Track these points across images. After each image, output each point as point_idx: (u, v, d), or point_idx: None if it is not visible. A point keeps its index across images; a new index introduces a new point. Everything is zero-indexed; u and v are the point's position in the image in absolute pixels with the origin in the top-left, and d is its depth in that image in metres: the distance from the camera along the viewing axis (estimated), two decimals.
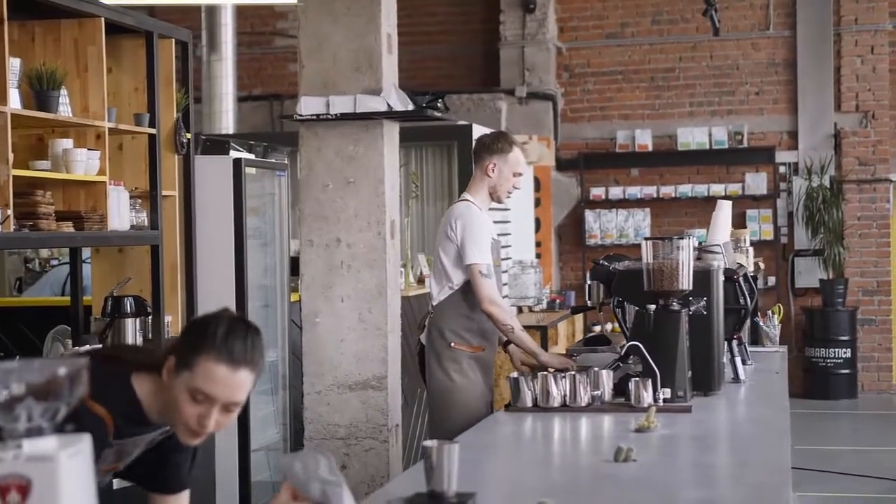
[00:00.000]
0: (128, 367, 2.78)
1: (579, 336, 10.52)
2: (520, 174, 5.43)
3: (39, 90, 5.00)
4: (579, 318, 10.98)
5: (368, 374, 5.65)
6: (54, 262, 8.72)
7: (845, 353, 12.53)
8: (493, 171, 5.36)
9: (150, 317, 5.76)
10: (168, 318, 5.96)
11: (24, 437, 1.78)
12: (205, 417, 2.66)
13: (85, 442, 1.82)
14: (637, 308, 4.63)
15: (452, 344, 5.30)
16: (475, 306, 5.25)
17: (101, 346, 5.36)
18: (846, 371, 12.57)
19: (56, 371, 1.80)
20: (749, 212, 12.93)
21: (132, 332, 5.60)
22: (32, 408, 1.78)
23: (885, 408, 12.32)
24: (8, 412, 1.77)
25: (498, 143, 5.40)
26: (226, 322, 2.68)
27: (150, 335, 5.79)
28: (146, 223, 5.76)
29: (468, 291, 5.25)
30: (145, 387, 2.75)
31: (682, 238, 4.54)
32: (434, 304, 5.40)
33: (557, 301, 10.91)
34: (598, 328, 10.95)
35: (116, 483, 4.86)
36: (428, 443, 2.81)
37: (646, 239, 4.59)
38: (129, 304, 5.60)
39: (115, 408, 2.69)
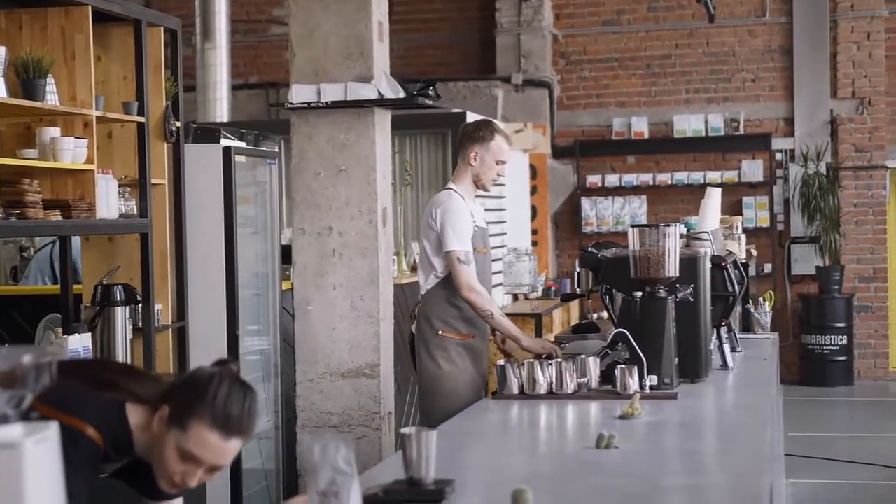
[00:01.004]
0: (124, 396, 2.75)
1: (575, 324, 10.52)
2: (503, 162, 5.43)
3: (26, 78, 5.00)
4: (575, 305, 10.99)
5: (361, 362, 5.66)
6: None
7: (842, 340, 12.54)
8: (475, 159, 5.37)
9: (139, 305, 5.76)
10: (158, 307, 5.96)
11: None
12: (188, 476, 2.67)
13: (51, 429, 1.83)
14: (624, 295, 4.64)
15: (440, 332, 5.32)
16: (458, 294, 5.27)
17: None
18: (842, 358, 12.58)
19: (21, 359, 1.81)
20: (745, 199, 12.93)
21: (122, 320, 5.60)
22: None
23: (881, 395, 12.32)
24: None
25: (479, 131, 5.41)
26: (226, 385, 2.67)
27: (139, 323, 5.79)
28: (135, 211, 5.76)
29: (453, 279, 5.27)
30: (137, 418, 2.73)
31: (669, 225, 4.54)
32: (422, 293, 5.43)
33: (553, 289, 10.91)
34: (594, 316, 10.96)
35: None
36: (406, 430, 2.82)
37: (632, 226, 4.60)
38: (118, 293, 5.59)
39: (106, 433, 2.67)
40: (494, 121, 5.89)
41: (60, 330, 5.65)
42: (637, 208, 13.16)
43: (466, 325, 5.36)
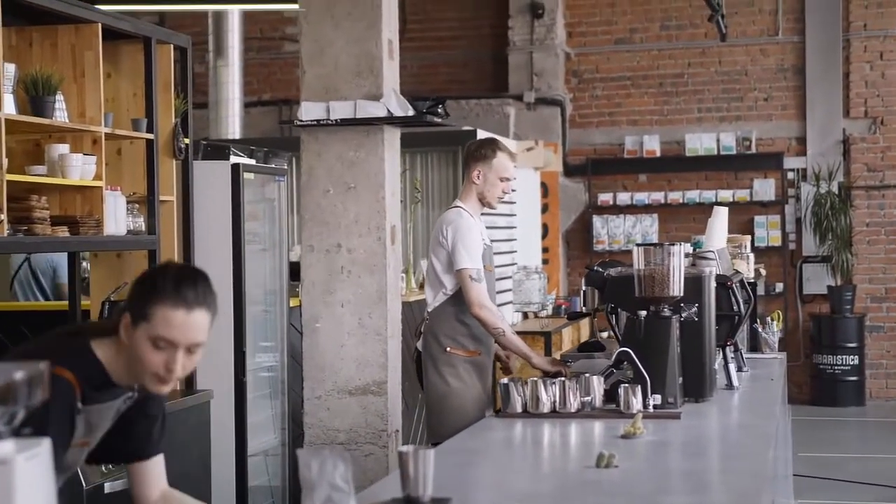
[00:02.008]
0: (87, 335, 2.87)
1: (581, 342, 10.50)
2: (507, 179, 5.47)
3: (35, 95, 5.03)
4: (585, 323, 10.97)
5: (368, 380, 5.66)
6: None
7: (853, 359, 12.50)
8: (479, 177, 5.44)
9: None
10: None
11: None
12: (171, 363, 2.75)
13: (43, 445, 1.84)
14: (629, 314, 4.64)
15: (448, 349, 5.35)
16: (469, 311, 5.29)
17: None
18: (854, 378, 12.53)
19: (13, 376, 1.82)
20: (757, 218, 12.91)
21: None
22: None
23: (893, 415, 12.25)
24: None
25: (482, 149, 5.47)
26: (173, 270, 2.83)
27: None
28: (143, 228, 5.79)
29: (462, 297, 5.30)
30: (105, 350, 2.83)
31: (674, 244, 4.54)
32: (429, 310, 5.45)
33: (563, 307, 10.90)
34: (605, 334, 10.94)
35: (108, 487, 4.90)
36: (403, 448, 2.82)
37: (637, 245, 4.60)
38: None
39: (79, 372, 2.77)
40: (499, 138, 5.91)
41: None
42: (648, 227, 13.15)
43: (474, 342, 5.38)
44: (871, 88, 12.89)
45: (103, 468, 4.78)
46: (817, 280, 12.85)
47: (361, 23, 5.65)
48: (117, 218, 5.50)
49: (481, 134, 9.46)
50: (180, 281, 2.76)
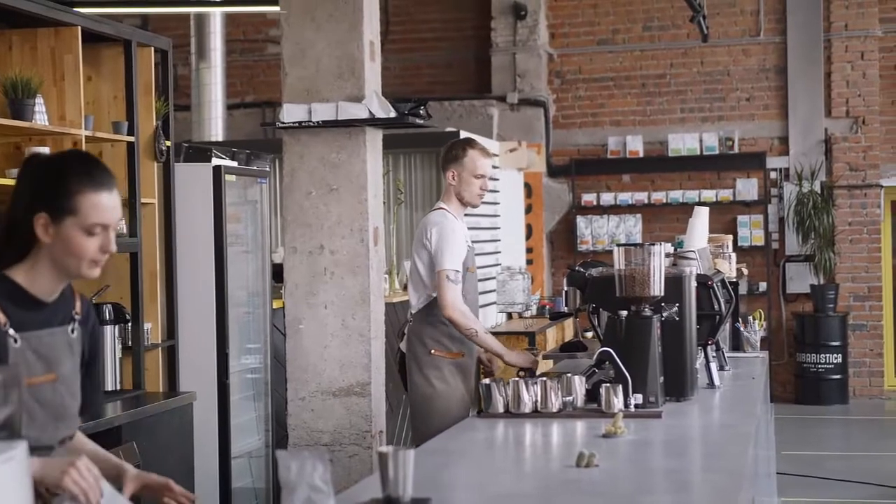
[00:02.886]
0: None
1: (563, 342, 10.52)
2: (482, 176, 5.49)
3: (15, 98, 5.02)
4: (569, 323, 10.99)
5: (352, 381, 5.66)
6: None
7: (836, 358, 12.54)
8: (454, 178, 5.49)
9: (129, 324, 5.77)
10: (147, 326, 5.98)
11: None
12: (105, 244, 2.81)
13: (18, 449, 1.84)
14: (610, 314, 4.65)
15: (432, 351, 5.36)
16: (442, 313, 5.30)
17: None
18: (837, 376, 12.57)
19: None
20: (740, 217, 12.95)
21: (111, 339, 5.61)
22: None
23: (876, 413, 12.31)
24: None
25: (452, 150, 5.52)
26: (73, 160, 2.84)
27: (129, 342, 5.80)
28: (125, 231, 5.78)
29: None
30: (19, 273, 2.81)
31: (654, 244, 4.56)
32: (413, 311, 5.46)
33: (547, 307, 10.91)
34: (589, 334, 10.95)
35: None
36: (383, 449, 2.83)
37: (618, 245, 4.61)
38: (107, 312, 5.60)
39: None
40: (472, 136, 5.93)
41: None
42: (632, 227, 13.17)
43: (457, 344, 5.40)
44: (852, 88, 12.94)
45: None
46: (800, 279, 12.89)
47: (343, 25, 5.65)
48: None
49: (464, 135, 9.47)
50: (88, 166, 2.81)
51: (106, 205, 2.79)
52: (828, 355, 12.52)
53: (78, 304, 2.97)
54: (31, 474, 2.49)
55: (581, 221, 13.25)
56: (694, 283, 4.85)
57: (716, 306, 5.17)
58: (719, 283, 5.33)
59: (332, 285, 5.66)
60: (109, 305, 5.64)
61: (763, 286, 12.86)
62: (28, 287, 2.81)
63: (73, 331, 2.92)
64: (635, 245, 4.60)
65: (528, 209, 12.56)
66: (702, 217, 5.93)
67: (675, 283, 4.67)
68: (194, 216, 6.37)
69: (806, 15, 12.93)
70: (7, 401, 1.83)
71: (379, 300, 5.81)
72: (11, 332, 2.75)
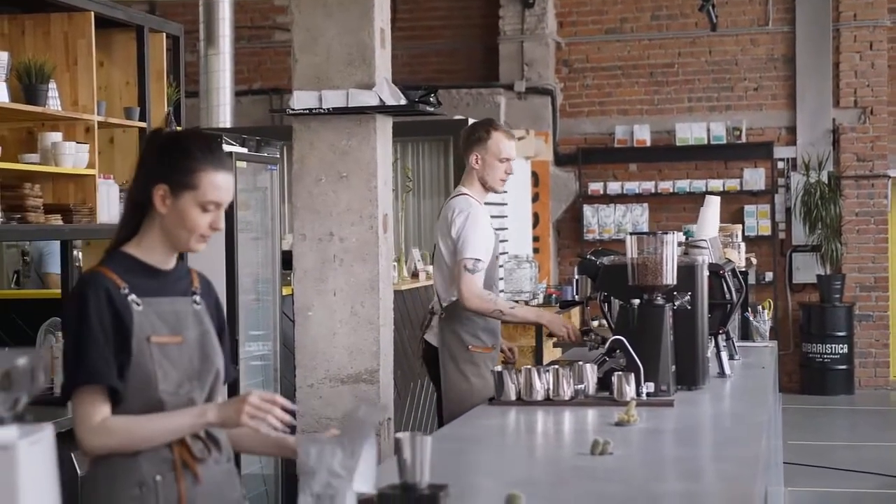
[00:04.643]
0: (111, 249, 2.99)
1: None
2: (507, 159, 5.38)
3: (28, 83, 5.03)
4: (577, 312, 10.99)
5: (361, 368, 5.66)
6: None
7: (842, 348, 12.55)
8: (477, 162, 5.36)
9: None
10: None
11: None
12: (215, 222, 2.95)
13: (46, 431, 1.85)
14: (622, 303, 4.65)
15: (470, 347, 5.28)
16: (463, 305, 5.24)
17: None
18: (843, 367, 12.58)
19: (16, 362, 1.83)
20: (747, 207, 12.95)
21: None
22: None
23: (882, 403, 12.33)
24: None
25: (475, 133, 5.40)
26: (199, 139, 2.99)
27: None
28: None
29: None
30: (132, 247, 2.96)
31: (667, 233, 4.55)
32: (444, 304, 5.38)
33: (554, 296, 10.91)
34: (595, 323, 10.96)
35: None
36: (400, 435, 2.83)
37: (630, 234, 4.60)
38: None
39: (111, 265, 2.91)
40: (493, 119, 5.86)
41: (61, 334, 5.67)
42: (639, 216, 13.17)
43: (491, 336, 5.34)
44: (860, 78, 12.93)
45: None
46: (807, 269, 12.89)
47: (353, 11, 5.63)
48: (110, 206, 5.50)
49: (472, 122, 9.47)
50: (211, 146, 2.95)
51: (223, 184, 2.93)
52: (834, 345, 12.53)
53: (196, 280, 3.08)
54: (211, 421, 2.89)
55: (588, 210, 13.25)
56: (706, 272, 4.85)
57: (727, 295, 5.17)
58: (730, 273, 5.33)
59: (342, 272, 5.66)
60: None
61: (769, 276, 12.86)
62: (142, 257, 2.94)
63: (196, 303, 3.03)
64: (648, 234, 4.59)
65: (535, 198, 12.56)
66: (713, 206, 5.93)
67: (687, 272, 4.67)
68: None
69: (814, 4, 12.92)
70: (34, 383, 1.84)
71: (388, 287, 5.80)
72: (133, 297, 2.87)
